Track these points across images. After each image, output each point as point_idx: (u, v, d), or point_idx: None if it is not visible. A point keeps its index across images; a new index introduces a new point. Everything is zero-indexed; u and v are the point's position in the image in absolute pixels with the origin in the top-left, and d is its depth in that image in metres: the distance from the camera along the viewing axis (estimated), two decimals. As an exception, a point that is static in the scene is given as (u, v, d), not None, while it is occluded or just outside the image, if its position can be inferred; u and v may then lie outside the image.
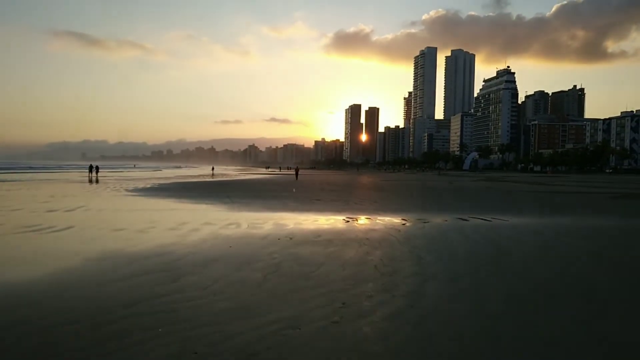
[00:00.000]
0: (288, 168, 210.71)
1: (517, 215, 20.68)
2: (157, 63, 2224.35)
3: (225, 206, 23.56)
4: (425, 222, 17.82)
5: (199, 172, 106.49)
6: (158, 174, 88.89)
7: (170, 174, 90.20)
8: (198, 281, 8.26)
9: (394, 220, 18.39)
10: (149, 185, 42.75)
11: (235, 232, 14.44)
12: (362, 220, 18.21)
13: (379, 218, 19.05)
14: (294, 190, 38.69)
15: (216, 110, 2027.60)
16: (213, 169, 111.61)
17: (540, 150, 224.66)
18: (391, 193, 37.42)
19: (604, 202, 30.83)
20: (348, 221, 17.86)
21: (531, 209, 25.46)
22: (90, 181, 50.60)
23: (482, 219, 19.16)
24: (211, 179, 61.97)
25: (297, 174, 67.08)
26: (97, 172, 61.91)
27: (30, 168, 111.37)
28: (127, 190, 35.51)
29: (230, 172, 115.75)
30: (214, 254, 10.89)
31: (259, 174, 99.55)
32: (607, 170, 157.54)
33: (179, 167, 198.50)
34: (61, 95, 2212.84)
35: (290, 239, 13.27)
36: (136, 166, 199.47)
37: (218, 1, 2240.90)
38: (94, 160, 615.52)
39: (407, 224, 17.17)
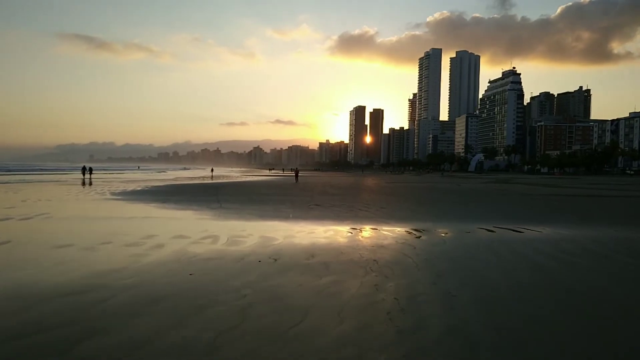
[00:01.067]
0: (291, 170, 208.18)
1: (548, 224, 17.57)
2: (163, 65, 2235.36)
3: (211, 213, 20.57)
4: (443, 235, 14.77)
5: (201, 173, 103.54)
6: (158, 175, 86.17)
7: (171, 175, 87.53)
8: (108, 348, 5.22)
9: (406, 231, 15.34)
10: (139, 188, 39.83)
11: (207, 251, 11.42)
12: (368, 232, 15.15)
13: (387, 228, 16.00)
14: (292, 193, 35.72)
15: (222, 112, 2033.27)
16: (212, 170, 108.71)
17: (546, 152, 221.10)
18: (398, 197, 34.35)
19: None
20: (351, 233, 14.80)
21: (560, 215, 22.36)
22: (83, 183, 47.88)
23: (510, 229, 16.08)
24: (209, 181, 59.03)
25: (296, 176, 63.36)
26: (90, 173, 59.25)
27: (34, 170, 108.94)
28: (112, 193, 32.61)
29: (231, 173, 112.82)
30: (163, 288, 7.88)
31: (260, 175, 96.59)
32: (629, 172, 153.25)
33: (187, 169, 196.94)
34: (69, 98, 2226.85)
35: (275, 260, 10.26)
36: (140, 168, 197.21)
37: (224, 4, 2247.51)
38: (102, 162, 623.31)
39: (423, 237, 14.12)
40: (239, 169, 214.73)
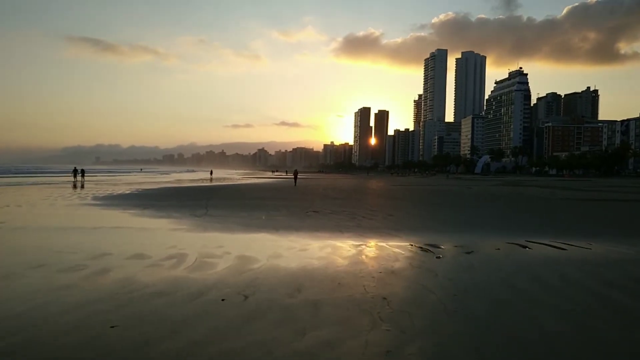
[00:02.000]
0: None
1: (592, 237, 14.58)
2: (169, 67, 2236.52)
3: (191, 222, 17.72)
4: (468, 253, 11.84)
5: (201, 176, 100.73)
6: (158, 178, 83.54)
7: (171, 178, 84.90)
8: None
9: (421, 247, 12.43)
10: (128, 192, 37.07)
11: (161, 280, 8.56)
12: (374, 250, 12.23)
13: (397, 243, 13.10)
14: (290, 197, 32.86)
15: (227, 114, 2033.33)
16: (211, 173, 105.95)
17: (554, 153, 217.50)
18: (406, 201, 31.43)
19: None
20: (352, 251, 11.88)
21: (599, 224, 19.38)
22: (75, 186, 45.25)
23: (547, 244, 13.14)
24: (207, 184, 56.23)
25: (295, 178, 58.09)
26: (82, 176, 56.52)
27: (33, 173, 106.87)
28: (94, 198, 29.86)
29: (233, 176, 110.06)
30: (52, 357, 5.00)
31: (262, 178, 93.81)
32: None
33: (193, 171, 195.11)
34: (75, 100, 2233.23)
35: (245, 298, 7.38)
36: (142, 170, 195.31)
37: (229, 6, 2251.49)
38: (108, 164, 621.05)
39: (443, 256, 11.22)
40: (242, 172, 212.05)
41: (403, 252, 11.74)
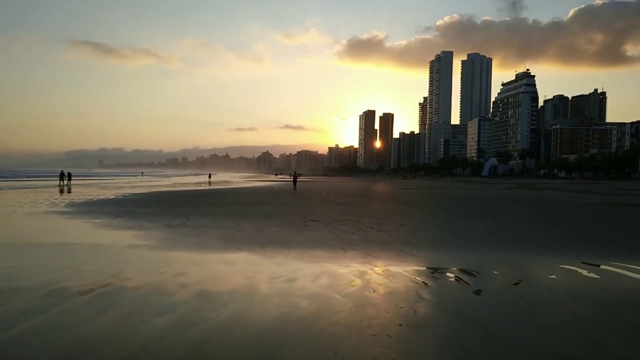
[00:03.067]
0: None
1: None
2: (171, 71, 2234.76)
3: (160, 235, 14.55)
4: (517, 285, 8.61)
5: (201, 179, 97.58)
6: (153, 181, 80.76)
7: (168, 181, 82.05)
8: None
9: (450, 276, 9.22)
10: (111, 197, 34.00)
11: (52, 349, 5.37)
12: (386, 280, 8.97)
13: (417, 267, 9.92)
14: (289, 203, 29.66)
15: (231, 117, 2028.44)
16: (210, 176, 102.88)
17: (562, 156, 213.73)
18: (417, 207, 28.14)
19: None
20: (356, 282, 8.67)
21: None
22: (62, 191, 42.29)
23: (621, 268, 9.89)
24: (203, 188, 53.12)
25: (295, 182, 52.95)
26: (69, 179, 53.40)
27: (27, 176, 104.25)
28: (68, 204, 26.82)
29: (234, 179, 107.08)
30: None
31: (264, 181, 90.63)
32: None
33: (198, 174, 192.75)
34: (78, 104, 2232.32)
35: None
36: (143, 173, 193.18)
37: (231, 9, 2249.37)
38: (112, 167, 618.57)
39: (484, 290, 8.01)
40: (245, 175, 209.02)
41: (427, 283, 8.53)
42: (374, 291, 8.05)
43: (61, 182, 51.64)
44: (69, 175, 54.27)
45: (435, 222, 19.45)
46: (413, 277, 9.11)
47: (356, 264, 10.32)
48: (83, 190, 42.81)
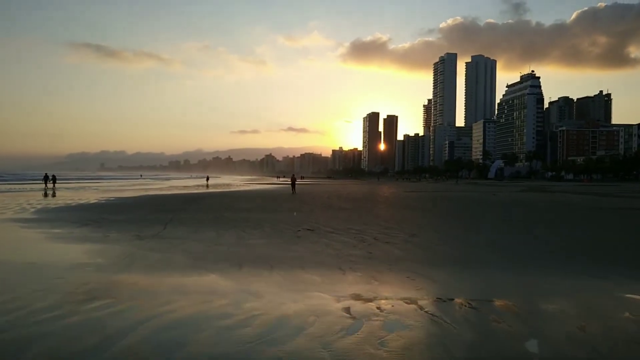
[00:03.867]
0: (302, 177, 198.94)
1: None
2: (173, 73, 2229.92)
3: (121, 251, 11.91)
4: (581, 329, 5.85)
5: (198, 182, 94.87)
6: (147, 184, 78.30)
7: (163, 184, 79.57)
8: None
9: (486, 312, 6.48)
10: (92, 201, 31.52)
11: None
12: (396, 322, 6.26)
13: (439, 299, 7.22)
14: (284, 208, 26.94)
15: (233, 120, 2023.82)
16: (208, 179, 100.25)
17: (569, 158, 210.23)
18: (428, 212, 25.38)
19: None
20: (355, 331, 5.94)
21: None
22: (46, 194, 39.82)
23: None
24: (193, 192, 50.48)
25: (293, 185, 47.11)
26: (54, 182, 50.72)
27: (19, 180, 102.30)
28: (38, 210, 24.36)
29: (235, 182, 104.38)
30: None
31: (263, 184, 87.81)
32: None
33: (196, 177, 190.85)
34: (79, 107, 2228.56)
35: None
36: (142, 176, 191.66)
37: (234, 11, 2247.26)
38: (113, 171, 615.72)
39: (539, 338, 5.27)
40: (247, 177, 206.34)
41: (456, 327, 5.80)
42: (381, 345, 5.33)
43: (46, 185, 49.06)
44: (54, 178, 51.52)
45: (452, 231, 16.68)
46: (436, 316, 6.39)
47: (356, 294, 7.61)
48: (68, 194, 40.24)
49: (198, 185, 72.06)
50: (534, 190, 63.30)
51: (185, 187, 67.12)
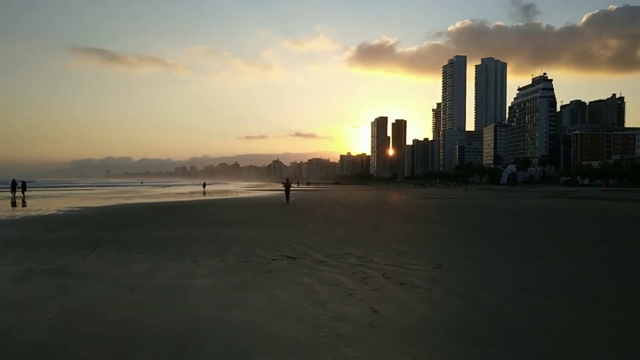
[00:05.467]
0: (308, 183, 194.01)
1: None
2: (178, 78, 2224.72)
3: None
4: None
5: (196, 189, 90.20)
6: (136, 192, 74.03)
7: (155, 192, 75.60)
8: None
9: None
10: (52, 212, 26.99)
11: None
12: None
13: None
14: (270, 222, 22.03)
15: (240, 125, 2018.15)
16: (204, 185, 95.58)
17: (583, 162, 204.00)
18: (451, 228, 20.26)
19: None
20: None
21: None
22: (13, 203, 35.31)
23: None
24: (180, 199, 45.84)
25: (287, 192, 39.48)
26: (23, 190, 45.49)
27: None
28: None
29: (236, 188, 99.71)
30: None
31: (265, 190, 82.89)
32: None
33: (198, 184, 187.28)
34: (83, 112, 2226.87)
35: None
36: (143, 183, 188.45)
37: (239, 15, 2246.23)
38: (119, 177, 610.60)
39: None
40: (252, 184, 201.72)
41: None
42: None
43: (13, 193, 44.18)
44: (24, 185, 46.23)
45: (497, 260, 11.62)
46: None
47: None
48: (36, 204, 35.67)
49: (193, 193, 67.48)
50: (556, 196, 58.00)
51: (177, 194, 62.56)
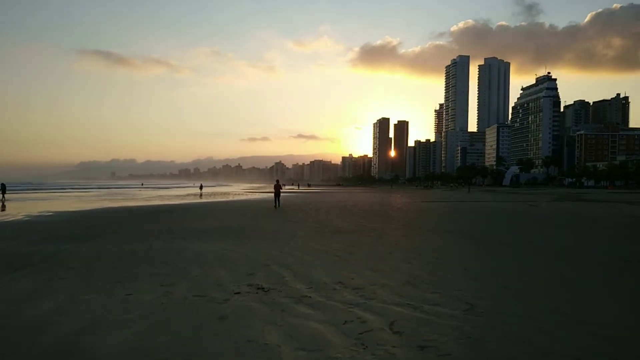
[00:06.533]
0: (308, 185, 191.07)
1: None
2: (182, 80, 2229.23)
3: None
4: None
5: (191, 191, 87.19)
6: (129, 194, 71.50)
7: (150, 194, 72.72)
8: None
9: None
10: (18, 218, 23.79)
11: None
12: None
13: None
14: (251, 232, 18.94)
15: (243, 127, 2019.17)
16: (201, 187, 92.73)
17: (587, 163, 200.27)
18: (469, 240, 17.16)
19: None
20: None
21: None
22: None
23: None
24: (168, 202, 42.90)
25: (277, 196, 35.52)
26: (3, 193, 42.65)
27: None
28: None
29: (234, 190, 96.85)
30: None
31: (261, 192, 79.92)
32: None
33: (196, 186, 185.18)
34: (90, 114, 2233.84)
35: None
36: (143, 184, 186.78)
37: (243, 17, 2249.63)
38: (124, 179, 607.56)
39: None
40: (254, 185, 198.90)
41: None
42: None
43: (-4, 196, 41.36)
44: (3, 187, 43.26)
45: (556, 294, 8.51)
46: None
47: None
48: (15, 207, 33.05)
49: (187, 195, 64.66)
50: (569, 199, 54.81)
51: (171, 197, 59.63)
